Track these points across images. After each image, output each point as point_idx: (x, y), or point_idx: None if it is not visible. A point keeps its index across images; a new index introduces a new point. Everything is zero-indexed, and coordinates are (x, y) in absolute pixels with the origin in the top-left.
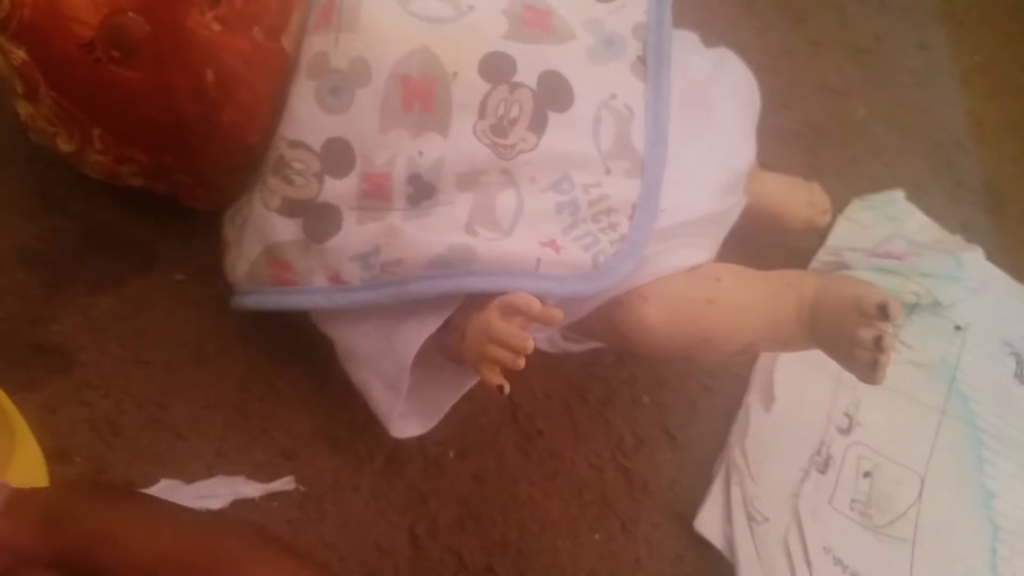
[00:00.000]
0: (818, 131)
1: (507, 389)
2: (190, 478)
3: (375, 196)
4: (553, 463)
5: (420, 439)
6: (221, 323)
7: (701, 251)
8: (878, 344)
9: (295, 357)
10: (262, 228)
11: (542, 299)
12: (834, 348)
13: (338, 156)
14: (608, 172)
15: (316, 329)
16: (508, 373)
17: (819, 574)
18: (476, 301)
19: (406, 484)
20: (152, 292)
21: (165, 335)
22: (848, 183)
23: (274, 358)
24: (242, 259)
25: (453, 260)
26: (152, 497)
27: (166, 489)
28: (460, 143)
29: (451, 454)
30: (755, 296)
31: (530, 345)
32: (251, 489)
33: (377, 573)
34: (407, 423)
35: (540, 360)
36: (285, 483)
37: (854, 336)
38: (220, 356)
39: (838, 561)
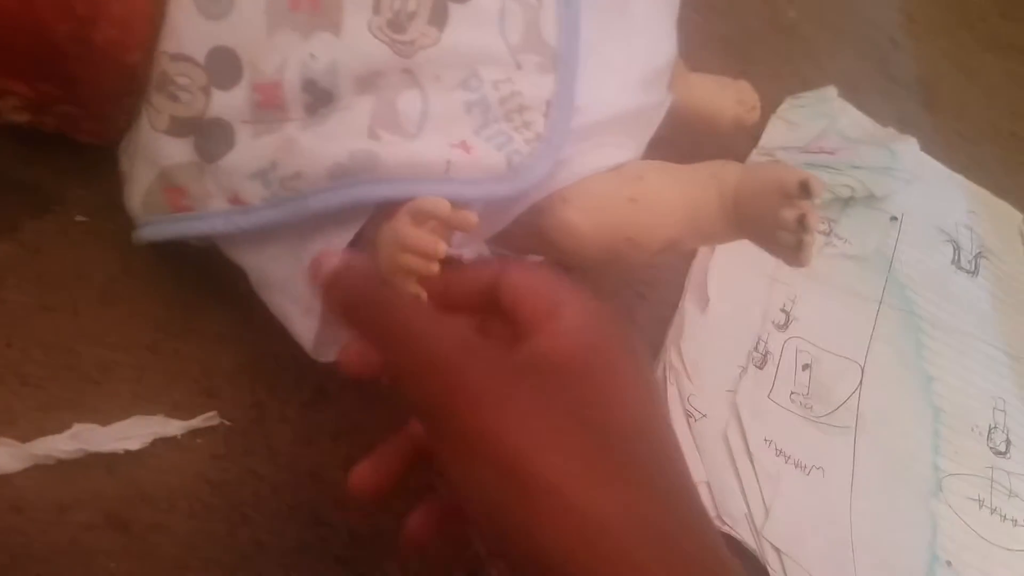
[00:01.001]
0: (749, 35)
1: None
2: (106, 422)
3: (268, 107)
4: None
5: None
6: (129, 263)
7: (624, 151)
8: (801, 223)
9: (211, 293)
10: (152, 152)
11: (462, 207)
12: (759, 233)
13: (224, 66)
14: (519, 67)
15: (230, 261)
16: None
17: (761, 465)
18: (386, 211)
19: (338, 412)
20: (51, 235)
21: (69, 279)
22: (780, 85)
23: (189, 296)
24: (136, 188)
25: (355, 168)
26: None
27: (80, 433)
28: (354, 42)
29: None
30: (678, 190)
31: (442, 249)
32: (172, 427)
33: (315, 501)
34: (333, 347)
35: None
36: (208, 418)
37: (777, 218)
38: (130, 297)
39: (780, 452)
